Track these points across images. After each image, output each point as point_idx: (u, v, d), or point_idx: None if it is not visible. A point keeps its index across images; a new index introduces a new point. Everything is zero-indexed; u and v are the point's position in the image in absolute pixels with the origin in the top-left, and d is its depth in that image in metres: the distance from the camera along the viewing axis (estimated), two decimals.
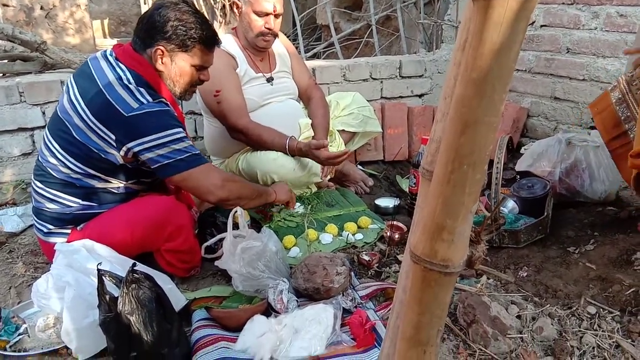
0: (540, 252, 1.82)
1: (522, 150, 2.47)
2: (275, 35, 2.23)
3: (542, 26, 2.75)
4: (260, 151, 2.19)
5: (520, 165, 2.30)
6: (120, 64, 1.60)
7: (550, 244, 1.87)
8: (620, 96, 1.69)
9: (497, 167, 1.64)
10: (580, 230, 1.95)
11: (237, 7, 2.21)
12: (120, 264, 1.49)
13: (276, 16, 2.17)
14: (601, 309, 1.48)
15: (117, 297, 1.26)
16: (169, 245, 1.67)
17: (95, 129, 1.56)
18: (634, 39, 2.30)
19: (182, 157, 1.60)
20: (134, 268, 1.30)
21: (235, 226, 1.67)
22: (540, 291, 1.60)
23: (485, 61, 0.59)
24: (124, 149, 1.58)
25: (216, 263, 1.62)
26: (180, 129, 1.62)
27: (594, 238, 1.87)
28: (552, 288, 1.60)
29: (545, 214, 1.91)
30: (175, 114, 1.67)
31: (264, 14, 2.14)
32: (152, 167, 1.61)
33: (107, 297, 1.27)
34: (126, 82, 1.57)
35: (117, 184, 1.69)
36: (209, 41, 1.67)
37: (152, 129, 1.56)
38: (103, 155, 1.60)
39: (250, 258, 1.55)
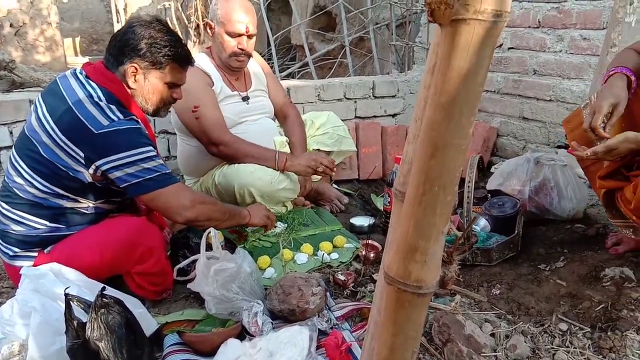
0: (512, 269, 1.85)
1: (492, 169, 2.52)
2: (249, 56, 2.24)
3: (509, 48, 2.84)
4: (238, 164, 2.18)
5: (491, 184, 2.35)
6: (91, 82, 1.59)
7: (522, 262, 1.90)
8: None
9: (468, 186, 1.66)
10: (550, 247, 1.99)
11: (210, 28, 2.21)
12: (89, 288, 1.45)
13: (249, 37, 2.18)
14: (572, 326, 1.50)
15: (86, 323, 1.23)
16: (139, 268, 1.64)
17: (64, 146, 1.53)
18: (597, 62, 2.40)
19: (151, 176, 1.59)
20: (103, 292, 1.27)
21: (209, 247, 1.65)
22: (513, 309, 1.62)
23: (453, 86, 0.60)
24: (93, 167, 1.56)
25: (189, 285, 1.59)
26: (151, 148, 1.60)
27: (564, 255, 1.91)
28: (524, 305, 1.62)
29: (516, 231, 1.94)
30: (147, 132, 1.66)
31: (236, 35, 2.15)
32: (120, 185, 1.59)
33: (75, 322, 1.23)
34: (97, 99, 1.55)
35: (86, 204, 1.65)
36: (183, 59, 1.69)
37: (122, 147, 1.54)
38: (71, 174, 1.56)
39: (224, 280, 1.53)
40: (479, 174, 2.70)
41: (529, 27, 2.70)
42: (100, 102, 1.55)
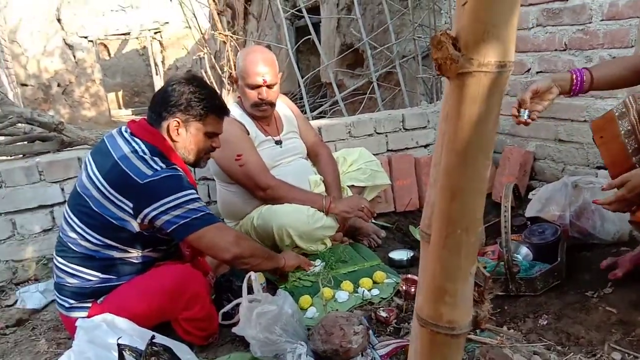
0: (558, 298, 1.80)
1: (529, 195, 2.48)
2: (271, 104, 2.33)
3: (537, 72, 2.82)
4: (275, 205, 2.25)
5: (530, 211, 2.30)
6: (135, 138, 1.71)
7: (568, 290, 1.85)
8: (629, 128, 1.66)
9: (504, 216, 1.65)
10: (597, 273, 1.92)
11: (236, 81, 2.34)
12: (140, 337, 1.51)
13: (268, 87, 2.27)
14: (626, 354, 1.45)
15: None
16: (186, 314, 1.70)
17: (113, 199, 1.64)
18: None
19: (197, 215, 1.67)
20: (153, 340, 1.32)
21: (251, 290, 1.69)
22: (562, 339, 1.57)
23: (466, 133, 0.63)
24: (141, 215, 1.65)
25: (233, 329, 1.63)
26: (193, 191, 1.70)
27: (612, 281, 1.84)
28: (574, 335, 1.57)
29: (559, 259, 1.89)
30: (188, 179, 1.75)
31: (255, 87, 2.25)
32: (168, 230, 1.67)
33: None
34: (141, 153, 1.67)
35: (134, 253, 1.74)
36: (220, 110, 1.82)
37: (167, 193, 1.64)
38: (120, 225, 1.66)
39: (266, 323, 1.56)
40: (516, 202, 2.66)
41: (556, 50, 2.69)
42: (144, 156, 1.66)
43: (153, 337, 1.34)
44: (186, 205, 1.65)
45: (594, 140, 1.81)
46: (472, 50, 0.60)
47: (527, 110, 1.71)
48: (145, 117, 1.80)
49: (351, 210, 2.31)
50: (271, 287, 2.03)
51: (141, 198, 1.64)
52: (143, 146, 1.69)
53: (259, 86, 2.25)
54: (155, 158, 1.67)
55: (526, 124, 1.74)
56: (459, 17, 0.62)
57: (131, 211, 1.64)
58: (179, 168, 1.72)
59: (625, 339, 1.51)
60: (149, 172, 1.63)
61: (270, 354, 1.58)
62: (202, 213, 1.68)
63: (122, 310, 1.62)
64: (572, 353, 1.49)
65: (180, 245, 1.89)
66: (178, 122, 1.73)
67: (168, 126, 1.73)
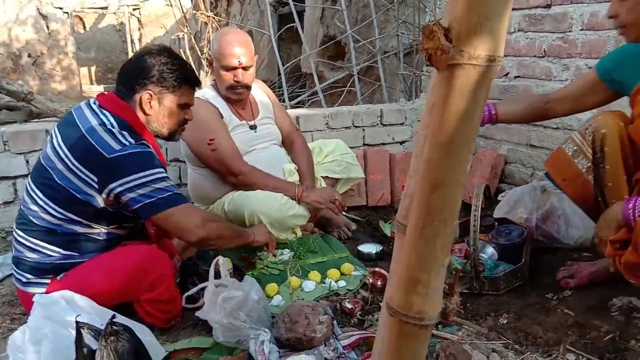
0: (519, 298, 1.84)
1: (499, 197, 2.53)
2: (247, 87, 2.29)
3: (515, 77, 2.88)
4: (247, 191, 2.22)
5: (498, 212, 2.35)
6: (104, 111, 1.65)
7: (529, 291, 1.89)
8: (589, 165, 1.71)
9: (474, 215, 1.68)
10: None
11: (211, 64, 2.30)
12: (99, 316, 1.47)
13: (244, 69, 2.23)
14: (580, 356, 1.49)
15: (95, 350, 1.24)
16: (149, 295, 1.66)
17: (78, 172, 1.59)
18: None
19: (163, 195, 1.63)
20: (113, 320, 1.29)
21: (218, 274, 1.67)
22: (521, 338, 1.61)
23: (451, 126, 0.63)
24: (106, 190, 1.60)
25: (197, 313, 1.61)
26: (162, 169, 1.66)
27: None
28: (532, 335, 1.61)
29: (523, 260, 1.94)
30: (158, 157, 1.71)
31: (231, 69, 2.21)
32: (133, 207, 1.62)
33: (85, 350, 1.25)
34: (109, 126, 1.61)
35: (98, 229, 1.69)
36: (193, 81, 1.79)
37: (134, 169, 1.59)
38: (84, 199, 1.61)
39: (231, 308, 1.54)
40: (486, 202, 2.71)
41: (535, 56, 2.74)
42: (112, 129, 1.61)
43: (113, 316, 1.31)
44: (153, 184, 1.61)
45: (550, 180, 1.85)
46: (464, 42, 0.59)
47: None
48: (114, 91, 1.74)
49: (323, 201, 2.31)
50: (238, 274, 2.01)
51: (107, 173, 1.58)
52: (112, 119, 1.63)
53: (234, 68, 2.21)
54: (124, 132, 1.62)
55: None
56: (452, 8, 0.62)
57: (96, 185, 1.59)
58: (149, 144, 1.68)
59: (580, 341, 1.56)
60: (117, 146, 1.58)
61: (233, 339, 1.56)
62: (169, 193, 1.64)
63: (83, 287, 1.58)
64: (529, 352, 1.52)
65: (146, 224, 1.84)
66: (150, 95, 1.68)
67: (140, 99, 1.68)
